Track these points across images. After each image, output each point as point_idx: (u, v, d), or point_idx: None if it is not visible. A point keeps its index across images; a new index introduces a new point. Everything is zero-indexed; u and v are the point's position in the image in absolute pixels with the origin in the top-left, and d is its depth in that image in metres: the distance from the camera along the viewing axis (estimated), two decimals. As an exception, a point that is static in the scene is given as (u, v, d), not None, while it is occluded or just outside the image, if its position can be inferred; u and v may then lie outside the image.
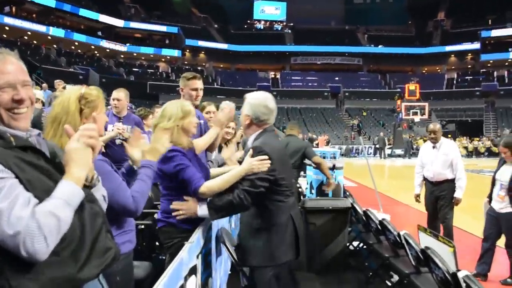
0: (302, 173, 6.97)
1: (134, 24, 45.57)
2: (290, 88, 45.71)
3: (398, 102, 38.13)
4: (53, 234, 1.18)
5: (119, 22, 44.36)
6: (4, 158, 1.21)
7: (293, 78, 49.13)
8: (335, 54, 49.87)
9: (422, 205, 5.81)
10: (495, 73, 45.66)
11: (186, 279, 2.04)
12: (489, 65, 46.53)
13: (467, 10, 47.29)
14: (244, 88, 42.02)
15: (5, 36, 34.82)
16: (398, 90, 43.22)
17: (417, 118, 35.75)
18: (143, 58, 46.78)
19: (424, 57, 48.74)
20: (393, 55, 49.41)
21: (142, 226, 3.34)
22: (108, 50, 43.27)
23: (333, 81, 46.75)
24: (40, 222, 1.16)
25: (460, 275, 2.51)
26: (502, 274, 4.72)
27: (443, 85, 46.54)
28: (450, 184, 5.30)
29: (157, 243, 3.35)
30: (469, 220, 6.60)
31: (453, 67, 48.86)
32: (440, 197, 5.35)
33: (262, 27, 53.08)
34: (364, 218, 4.80)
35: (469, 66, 48.39)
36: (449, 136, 23.00)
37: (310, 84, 47.78)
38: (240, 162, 3.54)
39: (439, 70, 49.70)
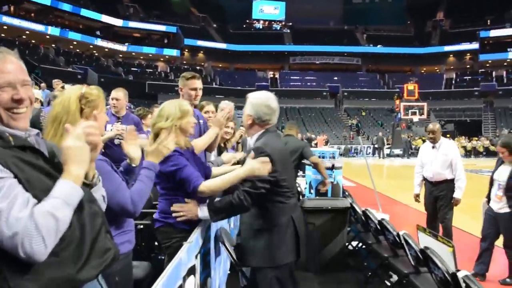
0: (300, 172, 6.98)
1: (132, 24, 45.51)
2: (289, 88, 45.69)
3: (397, 102, 38.14)
4: (51, 235, 1.17)
5: (117, 22, 44.31)
6: (3, 157, 1.21)
7: (292, 78, 49.12)
8: (334, 54, 49.87)
9: (421, 205, 5.82)
10: (493, 73, 45.73)
11: (184, 279, 2.04)
12: (487, 65, 46.59)
13: (466, 10, 47.35)
14: (243, 87, 42.03)
15: (3, 35, 34.77)
16: (397, 90, 43.22)
17: (415, 118, 35.76)
18: (141, 57, 46.73)
19: (423, 57, 48.79)
20: (392, 55, 49.44)
21: (141, 226, 3.33)
22: (106, 50, 43.21)
23: (332, 81, 46.75)
24: (38, 222, 1.15)
25: (460, 275, 2.51)
26: (501, 274, 4.72)
27: (441, 85, 46.60)
28: (449, 184, 5.30)
29: (156, 243, 3.34)
30: (468, 220, 6.60)
31: (451, 67, 48.92)
32: (439, 197, 5.35)
33: (261, 27, 53.08)
34: (363, 218, 4.81)
35: (468, 66, 48.45)
36: (448, 136, 23.06)
37: (309, 84, 47.78)
38: (239, 163, 3.54)
39: (437, 70, 49.76)
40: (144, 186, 2.12)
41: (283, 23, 53.01)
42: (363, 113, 42.05)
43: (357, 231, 5.29)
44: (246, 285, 2.99)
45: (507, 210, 4.56)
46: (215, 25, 51.59)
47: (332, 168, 5.43)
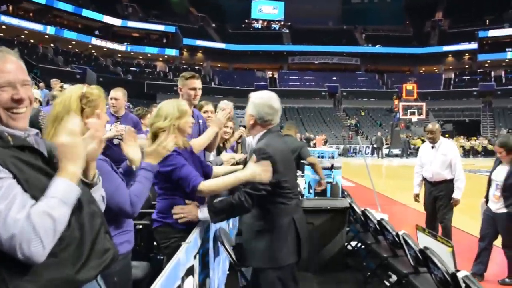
0: (299, 172, 6.96)
1: (131, 24, 45.49)
2: (287, 88, 45.70)
3: (396, 102, 38.18)
4: (49, 236, 1.17)
5: (116, 21, 44.27)
6: (2, 158, 1.20)
7: (290, 77, 49.13)
8: (333, 54, 49.89)
9: (420, 205, 5.82)
10: (492, 73, 45.82)
11: (183, 279, 2.03)
12: (486, 65, 46.67)
13: (464, 10, 47.41)
14: (241, 87, 42.03)
15: (1, 35, 34.69)
16: (396, 90, 43.28)
17: (414, 118, 35.80)
18: (140, 57, 46.70)
19: (421, 57, 48.84)
20: (391, 55, 49.47)
21: (140, 226, 3.33)
22: (105, 49, 43.17)
23: (330, 80, 46.78)
24: (35, 224, 1.14)
25: (460, 275, 2.51)
26: (500, 274, 4.73)
27: (440, 85, 46.66)
28: (448, 184, 5.30)
29: (155, 243, 3.33)
30: (467, 220, 6.61)
31: (450, 67, 48.98)
32: (438, 197, 5.35)
33: (260, 27, 53.09)
34: (362, 218, 4.80)
35: (467, 66, 48.52)
36: (447, 136, 23.08)
37: (307, 83, 47.79)
38: (238, 163, 3.53)
39: (436, 70, 49.81)
40: (142, 187, 2.12)
41: (282, 23, 53.02)
42: (362, 113, 42.07)
43: (356, 231, 5.29)
44: (245, 286, 2.99)
45: (505, 210, 4.56)
46: (214, 25, 51.57)
47: (331, 168, 5.42)
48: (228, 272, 4.17)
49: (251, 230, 2.69)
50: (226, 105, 3.30)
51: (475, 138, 32.69)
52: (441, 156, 5.33)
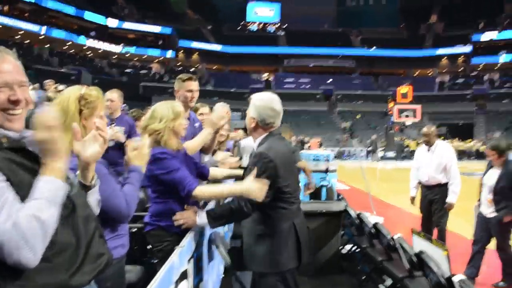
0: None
1: (127, 25, 45.40)
2: (283, 90, 45.74)
3: (391, 104, 38.32)
4: (38, 240, 1.14)
5: (112, 23, 44.15)
6: (-5, 160, 1.18)
7: (286, 80, 49.21)
8: (328, 57, 50.09)
9: (414, 208, 5.82)
10: (485, 77, 46.15)
11: (177, 283, 2.02)
12: (479, 68, 47.04)
13: (459, 14, 47.81)
14: (237, 90, 42.04)
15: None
16: (390, 92, 43.47)
17: (409, 121, 35.93)
18: (136, 59, 46.60)
19: (416, 59, 49.17)
20: (386, 58, 49.75)
21: (134, 230, 3.30)
22: (100, 51, 43.03)
23: (325, 83, 46.93)
24: (23, 229, 1.12)
25: (456, 279, 2.51)
26: (494, 277, 4.73)
27: (434, 88, 46.91)
28: (443, 188, 5.29)
29: (149, 247, 3.31)
30: (461, 223, 6.61)
31: (444, 70, 49.30)
32: (434, 201, 5.35)
33: (255, 29, 53.16)
34: (357, 221, 4.79)
35: (461, 69, 48.86)
36: (442, 137, 23.16)
37: (302, 86, 47.91)
38: (241, 167, 3.50)
39: (430, 73, 50.09)
40: (134, 188, 2.10)
41: (278, 25, 53.15)
42: (358, 116, 42.17)
43: (351, 235, 5.28)
44: (240, 290, 2.97)
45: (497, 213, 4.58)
46: (209, 27, 51.60)
47: (326, 171, 5.42)
48: (222, 276, 4.15)
49: (251, 234, 2.66)
50: (221, 107, 3.28)
51: (469, 140, 32.87)
52: (437, 159, 5.32)
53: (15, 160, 1.23)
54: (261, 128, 2.68)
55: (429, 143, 5.48)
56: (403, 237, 3.60)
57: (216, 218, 2.56)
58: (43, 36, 37.74)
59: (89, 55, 42.82)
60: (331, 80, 47.79)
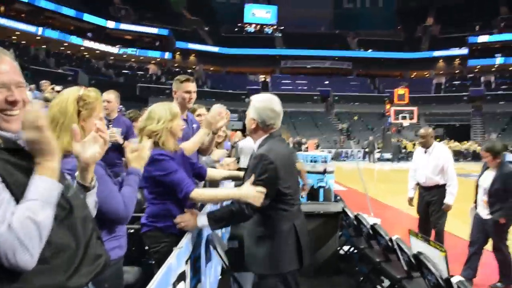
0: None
1: (124, 26, 45.31)
2: (280, 92, 45.76)
3: (388, 106, 38.41)
4: (34, 242, 1.13)
5: (109, 24, 44.07)
6: (-10, 161, 1.17)
7: (283, 81, 49.23)
8: (325, 58, 50.14)
9: (412, 209, 5.83)
10: (482, 78, 46.35)
11: (174, 285, 2.01)
12: (476, 70, 47.22)
13: (455, 16, 47.98)
14: (234, 91, 42.03)
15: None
16: (387, 94, 43.57)
17: (406, 123, 36.01)
18: (133, 60, 46.52)
19: (412, 61, 49.27)
20: (383, 60, 49.85)
21: (132, 231, 3.28)
22: (98, 52, 42.92)
23: (322, 85, 46.97)
24: (19, 232, 1.11)
25: (454, 280, 2.51)
26: (492, 278, 4.74)
27: (431, 90, 47.06)
28: (440, 189, 5.30)
29: (146, 248, 3.30)
30: (459, 224, 6.62)
31: (441, 72, 49.45)
32: (431, 202, 5.36)
33: (252, 31, 53.20)
34: (355, 222, 4.79)
35: (457, 71, 49.04)
36: (438, 139, 23.24)
37: (300, 87, 47.94)
38: (240, 169, 3.50)
39: (427, 75, 50.24)
40: (132, 190, 2.10)
41: (275, 27, 53.21)
42: (355, 118, 42.23)
43: (349, 236, 5.28)
44: (238, 291, 2.96)
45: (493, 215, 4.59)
46: (207, 28, 51.59)
47: (324, 172, 5.42)
48: (220, 277, 4.14)
49: (252, 236, 2.65)
50: (219, 109, 3.27)
51: (466, 142, 32.99)
52: (434, 161, 5.33)
53: (10, 160, 1.22)
54: (261, 130, 2.67)
55: (426, 145, 5.50)
56: (401, 238, 3.61)
57: (217, 221, 2.55)
58: (39, 37, 37.59)
59: (86, 56, 42.71)
60: (328, 81, 47.86)
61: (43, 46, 37.74)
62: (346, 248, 5.41)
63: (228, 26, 51.75)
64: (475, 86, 45.07)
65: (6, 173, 1.18)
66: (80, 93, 1.93)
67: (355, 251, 5.10)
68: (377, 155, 28.82)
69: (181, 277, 2.18)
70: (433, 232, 5.38)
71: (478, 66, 46.64)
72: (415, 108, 35.63)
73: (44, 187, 1.21)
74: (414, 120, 35.46)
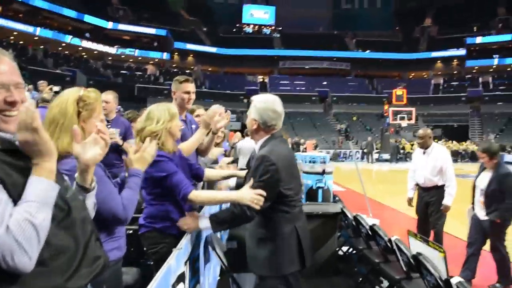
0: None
1: (122, 26, 45.27)
2: (278, 92, 45.69)
3: (386, 107, 38.43)
4: (33, 244, 1.12)
5: (107, 24, 44.02)
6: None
7: (281, 82, 49.23)
8: (323, 59, 50.18)
9: (411, 210, 5.82)
10: (480, 79, 46.45)
11: (174, 286, 2.00)
12: (474, 71, 47.33)
13: (453, 17, 48.11)
14: (232, 91, 42.02)
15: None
16: (386, 95, 43.62)
17: (404, 123, 36.03)
18: (131, 60, 46.47)
19: (411, 62, 49.36)
20: (381, 60, 49.92)
21: (130, 231, 3.27)
22: (96, 52, 42.85)
23: (321, 85, 46.99)
24: (17, 234, 1.10)
25: (453, 281, 2.50)
26: (491, 279, 4.74)
27: (429, 91, 47.14)
28: (440, 190, 5.30)
29: (145, 249, 3.29)
30: (457, 225, 6.63)
31: (439, 73, 49.56)
32: (430, 203, 5.36)
33: (251, 31, 53.21)
34: (354, 223, 4.79)
35: (455, 72, 49.14)
36: (436, 140, 23.28)
37: (298, 88, 47.93)
38: (242, 169, 3.50)
39: (425, 76, 50.33)
40: (133, 192, 2.09)
41: (273, 27, 53.24)
42: (354, 118, 42.25)
43: (348, 236, 5.28)
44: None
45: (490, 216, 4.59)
46: (205, 29, 51.58)
47: (323, 173, 5.42)
48: (219, 278, 4.13)
49: (253, 237, 2.64)
50: (218, 109, 3.27)
51: (464, 143, 33.06)
52: (432, 162, 5.33)
53: (7, 161, 1.21)
54: (262, 131, 2.66)
55: (424, 146, 5.49)
56: (400, 239, 3.60)
57: (219, 223, 2.54)
58: (37, 37, 37.50)
59: (84, 56, 42.64)
60: (326, 82, 47.88)
61: (41, 47, 37.66)
62: (345, 248, 5.41)
63: (226, 26, 51.75)
64: (473, 86, 45.17)
65: (3, 174, 1.17)
66: (80, 94, 1.93)
67: (354, 251, 5.10)
68: (375, 156, 28.84)
69: (181, 278, 2.17)
70: (432, 233, 5.38)
71: (476, 67, 46.76)
72: (413, 109, 35.64)
73: (41, 188, 1.20)
74: (412, 121, 35.49)
